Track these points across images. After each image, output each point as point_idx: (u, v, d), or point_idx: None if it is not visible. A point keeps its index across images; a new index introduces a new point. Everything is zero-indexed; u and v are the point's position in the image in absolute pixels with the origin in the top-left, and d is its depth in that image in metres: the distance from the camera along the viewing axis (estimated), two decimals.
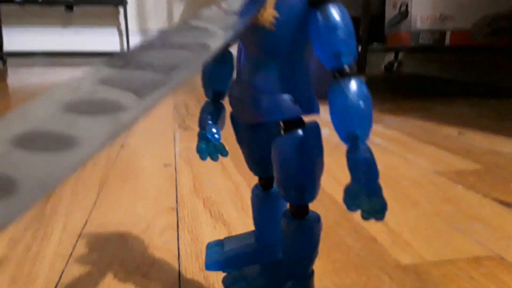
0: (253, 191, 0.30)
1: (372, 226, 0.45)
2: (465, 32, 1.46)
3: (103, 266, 0.37)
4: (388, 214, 0.49)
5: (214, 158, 0.28)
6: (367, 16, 1.37)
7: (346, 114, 0.20)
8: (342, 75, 0.21)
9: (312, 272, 0.26)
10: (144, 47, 0.14)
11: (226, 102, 0.28)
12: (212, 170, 0.63)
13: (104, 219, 0.47)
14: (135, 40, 3.14)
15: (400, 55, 2.45)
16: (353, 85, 0.20)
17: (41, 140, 0.09)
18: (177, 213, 0.48)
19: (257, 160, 0.28)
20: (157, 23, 3.19)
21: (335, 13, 0.21)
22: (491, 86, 1.73)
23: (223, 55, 0.27)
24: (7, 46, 2.82)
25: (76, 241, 0.41)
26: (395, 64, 2.47)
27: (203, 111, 0.28)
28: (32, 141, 0.09)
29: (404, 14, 1.50)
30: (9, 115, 0.10)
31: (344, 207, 0.52)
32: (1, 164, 0.08)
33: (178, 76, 0.13)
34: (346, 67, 0.21)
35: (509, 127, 0.96)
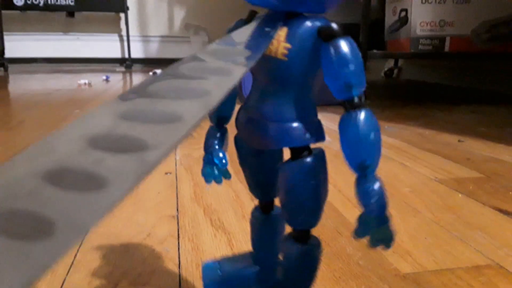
0: (252, 213, 0.30)
1: None
2: (465, 38, 1.47)
3: (104, 275, 0.37)
4: None
5: (218, 182, 0.29)
6: (366, 22, 1.38)
7: (356, 144, 0.21)
8: (353, 106, 0.22)
9: None
10: (157, 79, 0.14)
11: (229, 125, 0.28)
12: None
13: (105, 227, 0.47)
14: (136, 46, 3.16)
15: (400, 61, 2.45)
16: (363, 116, 0.21)
17: (71, 177, 0.09)
18: (177, 222, 0.48)
19: (260, 184, 0.29)
20: (158, 29, 3.20)
21: (346, 47, 0.22)
22: (491, 92, 1.73)
23: None
24: (9, 53, 2.83)
25: (77, 250, 0.41)
26: (395, 71, 2.47)
27: (209, 136, 0.28)
28: (62, 178, 0.09)
29: (403, 20, 1.51)
30: (34, 148, 0.10)
31: (344, 215, 0.52)
32: (35, 201, 0.08)
33: (199, 112, 0.12)
34: (356, 99, 0.22)
35: (509, 135, 0.97)
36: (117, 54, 3.21)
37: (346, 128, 0.22)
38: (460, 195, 0.57)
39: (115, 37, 3.20)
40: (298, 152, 0.24)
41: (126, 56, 3.11)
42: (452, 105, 1.43)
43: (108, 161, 0.10)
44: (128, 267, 0.38)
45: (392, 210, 0.53)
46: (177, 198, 0.56)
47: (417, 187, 0.60)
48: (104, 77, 2.27)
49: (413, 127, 1.05)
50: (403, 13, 1.51)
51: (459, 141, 0.90)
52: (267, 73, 0.24)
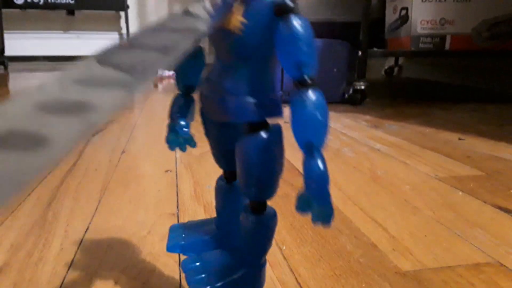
0: (217, 181, 0.31)
1: (373, 232, 0.45)
2: (465, 37, 1.46)
3: (104, 273, 0.37)
4: (388, 220, 0.49)
5: (183, 149, 0.30)
6: (367, 21, 1.38)
7: (303, 123, 0.22)
8: (303, 85, 0.22)
9: (265, 262, 0.28)
10: (118, 48, 0.15)
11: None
12: (212, 176, 0.63)
13: (105, 225, 0.47)
14: None
15: (400, 59, 2.45)
16: (312, 96, 0.21)
17: (15, 139, 0.10)
18: (178, 219, 0.48)
19: (223, 155, 0.29)
20: None
21: (297, 24, 0.22)
22: (492, 90, 1.73)
23: (195, 51, 0.28)
24: (9, 51, 2.83)
25: (78, 248, 0.41)
26: (395, 69, 2.47)
27: (174, 104, 0.29)
28: (6, 140, 0.10)
29: (404, 18, 1.51)
30: None
31: (345, 213, 0.52)
32: None
33: (144, 78, 0.13)
34: (307, 78, 0.22)
35: (510, 133, 0.96)
36: None
37: (295, 107, 0.22)
38: (460, 193, 0.57)
39: (115, 35, 3.19)
40: (255, 127, 0.24)
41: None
42: (453, 103, 1.42)
43: (53, 122, 0.10)
44: (128, 264, 0.38)
45: (393, 208, 0.53)
46: (177, 196, 0.56)
47: (418, 185, 0.60)
48: None
49: (413, 125, 1.05)
50: (403, 12, 1.51)
51: (459, 139, 0.90)
52: (225, 47, 0.24)
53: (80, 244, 0.42)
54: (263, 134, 0.24)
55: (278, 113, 0.25)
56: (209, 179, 0.62)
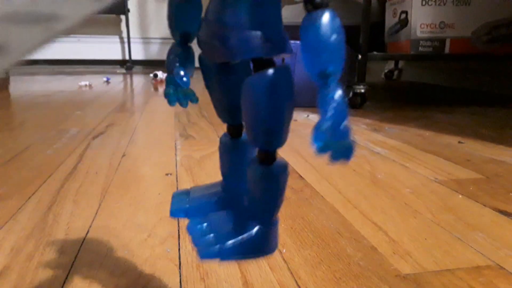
0: (221, 139, 0.29)
1: (373, 235, 0.45)
2: (465, 40, 1.47)
3: (104, 276, 0.37)
4: (388, 223, 0.49)
5: (183, 104, 0.27)
6: (367, 25, 1.38)
7: (317, 49, 0.19)
8: (314, 6, 0.19)
9: (277, 220, 0.26)
10: None
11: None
12: (213, 178, 0.63)
13: (105, 228, 0.47)
14: (137, 48, 3.16)
15: (400, 63, 2.46)
16: (326, 17, 0.19)
17: None
18: (178, 222, 0.48)
19: (226, 106, 0.26)
20: (158, 31, 3.21)
21: None
22: (491, 94, 1.74)
23: None
24: None
25: (78, 251, 0.41)
26: (395, 72, 2.48)
27: (170, 54, 0.26)
28: None
29: (404, 22, 1.51)
30: None
31: (345, 216, 0.52)
32: None
33: None
34: None
35: (510, 136, 0.97)
36: (118, 56, 3.21)
37: (306, 31, 0.20)
38: (460, 196, 0.58)
39: (116, 39, 3.20)
40: (261, 65, 0.22)
41: (127, 57, 3.12)
42: (452, 106, 1.43)
43: (14, 31, 0.10)
44: (129, 267, 0.38)
45: (393, 211, 0.53)
46: None
47: (418, 188, 0.60)
48: (105, 79, 2.28)
49: (413, 128, 1.05)
50: (403, 15, 1.52)
51: (459, 142, 0.90)
52: None
53: (80, 247, 0.42)
54: (271, 72, 0.21)
55: (286, 49, 0.22)
56: (209, 182, 0.62)
